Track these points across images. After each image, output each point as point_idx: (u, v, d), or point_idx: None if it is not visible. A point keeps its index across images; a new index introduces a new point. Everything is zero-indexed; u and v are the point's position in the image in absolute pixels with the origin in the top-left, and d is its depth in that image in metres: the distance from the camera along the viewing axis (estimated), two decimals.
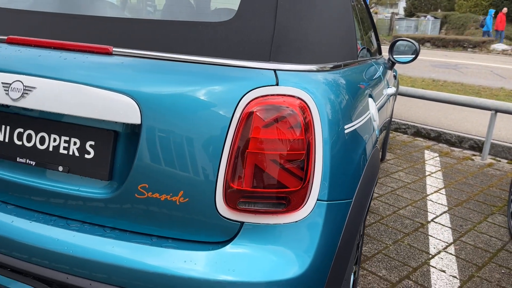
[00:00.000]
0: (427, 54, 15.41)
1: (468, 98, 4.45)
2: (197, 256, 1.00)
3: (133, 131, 1.05)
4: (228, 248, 1.01)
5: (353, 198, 1.14)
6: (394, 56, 2.68)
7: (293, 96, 1.01)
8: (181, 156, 1.00)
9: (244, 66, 1.04)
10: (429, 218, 2.79)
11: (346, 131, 1.12)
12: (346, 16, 1.43)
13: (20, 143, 1.15)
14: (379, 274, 2.12)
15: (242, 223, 1.02)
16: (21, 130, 1.15)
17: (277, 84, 1.01)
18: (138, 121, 1.01)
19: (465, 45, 19.18)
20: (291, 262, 1.00)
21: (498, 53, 18.87)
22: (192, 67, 1.05)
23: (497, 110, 4.10)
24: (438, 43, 19.77)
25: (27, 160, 1.14)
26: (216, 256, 1.00)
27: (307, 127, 1.00)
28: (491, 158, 4.33)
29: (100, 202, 1.07)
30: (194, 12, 1.33)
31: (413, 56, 2.69)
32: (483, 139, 4.40)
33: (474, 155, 4.40)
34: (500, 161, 4.28)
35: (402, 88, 4.84)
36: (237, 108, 0.99)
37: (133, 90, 1.02)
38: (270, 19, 1.09)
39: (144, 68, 1.06)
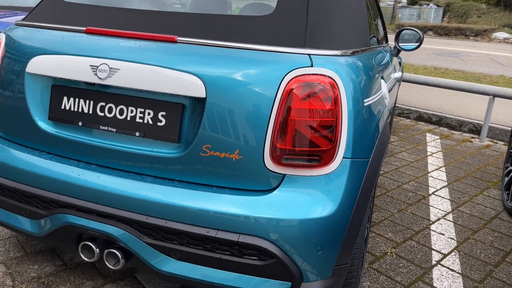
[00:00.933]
0: (430, 43, 15.59)
1: (467, 84, 4.71)
2: (250, 200, 1.29)
3: (197, 103, 1.33)
4: (274, 194, 1.29)
5: (370, 158, 1.42)
6: (400, 44, 2.94)
7: (324, 75, 1.28)
8: (237, 122, 1.28)
9: (285, 52, 1.31)
10: (430, 192, 3.08)
11: (365, 104, 1.40)
12: (362, 10, 1.69)
13: (102, 114, 1.43)
14: (385, 236, 2.42)
15: (284, 175, 1.30)
16: (103, 103, 1.43)
17: (311, 66, 1.29)
18: (203, 95, 1.28)
19: (467, 33, 19.32)
20: (322, 206, 1.29)
21: (500, 42, 19.00)
22: (243, 52, 1.32)
23: (495, 95, 4.37)
24: (441, 32, 19.90)
25: (109, 128, 1.42)
26: (264, 200, 1.29)
27: (336, 100, 1.28)
28: (488, 140, 4.61)
29: (170, 160, 1.35)
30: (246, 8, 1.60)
31: (417, 44, 2.95)
32: (482, 122, 4.68)
33: (473, 137, 4.68)
34: (497, 143, 4.56)
35: (406, 75, 5.10)
36: (280, 85, 1.26)
37: (198, 70, 1.30)
38: (304, 14, 1.36)
39: (205, 53, 1.33)
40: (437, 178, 3.36)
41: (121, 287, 1.80)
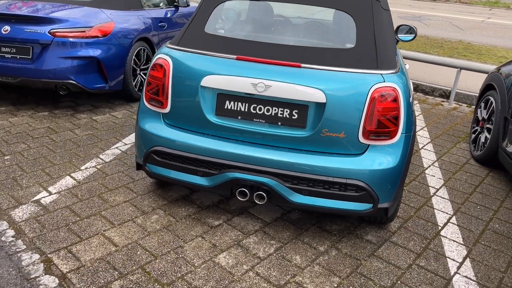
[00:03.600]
0: (394, 5, 16.66)
1: (438, 58, 5.85)
2: (350, 159, 2.29)
3: (319, 105, 2.28)
4: (363, 155, 2.30)
5: (412, 133, 2.45)
6: (399, 35, 3.93)
7: (392, 87, 2.26)
8: (344, 116, 2.25)
9: (368, 73, 2.27)
10: (420, 147, 4.22)
11: (410, 102, 2.41)
12: (394, 39, 2.66)
13: (254, 112, 2.36)
14: None
15: (369, 145, 2.30)
16: (255, 105, 2.35)
17: (384, 81, 2.26)
18: (324, 101, 2.24)
19: None
20: (391, 161, 2.31)
21: (456, 1, 20.39)
22: (344, 73, 2.27)
23: (461, 68, 5.53)
24: None
25: (260, 120, 2.36)
26: (358, 159, 2.29)
27: (398, 101, 2.27)
28: (455, 103, 5.82)
29: (299, 138, 2.32)
30: (335, 42, 2.51)
31: (413, 35, 3.94)
32: (450, 89, 5.87)
33: (443, 101, 5.87)
34: (461, 105, 5.79)
35: None
36: (368, 93, 2.23)
37: (320, 86, 2.24)
38: (374, 48, 2.32)
39: (320, 74, 2.27)
40: (422, 136, 4.51)
41: (243, 218, 2.79)
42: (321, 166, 2.30)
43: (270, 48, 2.40)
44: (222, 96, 2.40)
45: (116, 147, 3.68)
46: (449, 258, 2.55)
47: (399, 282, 2.33)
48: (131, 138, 3.88)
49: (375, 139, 2.29)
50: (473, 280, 2.38)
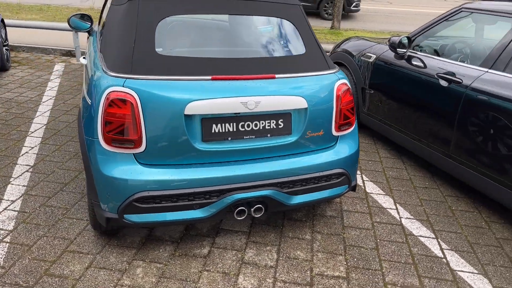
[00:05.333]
0: None
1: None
2: (329, 152, 2.56)
3: (300, 111, 2.42)
4: (337, 146, 2.61)
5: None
6: None
7: (345, 83, 2.60)
8: (321, 115, 2.47)
9: (327, 73, 2.54)
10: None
11: None
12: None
13: (243, 129, 2.32)
14: None
15: (338, 136, 2.62)
16: (243, 123, 2.31)
17: (339, 79, 2.58)
18: (306, 106, 2.41)
19: None
20: (354, 145, 2.69)
21: None
22: (310, 77, 2.47)
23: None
24: None
25: (250, 136, 2.34)
26: (334, 150, 2.59)
27: (351, 93, 2.64)
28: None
29: (288, 144, 2.43)
30: (288, 49, 2.61)
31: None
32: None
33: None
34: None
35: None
36: (334, 92, 2.51)
37: (300, 92, 2.39)
38: (321, 52, 2.61)
39: (294, 82, 2.41)
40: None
41: (224, 237, 2.74)
42: (310, 165, 2.49)
43: (238, 63, 2.37)
44: (208, 120, 2.26)
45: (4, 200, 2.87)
46: (387, 208, 3.19)
47: (378, 240, 2.81)
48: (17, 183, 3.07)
49: (343, 130, 2.62)
50: (414, 219, 3.07)
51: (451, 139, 3.24)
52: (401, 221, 3.04)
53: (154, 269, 2.42)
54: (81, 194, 3.12)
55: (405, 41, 3.65)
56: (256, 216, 2.45)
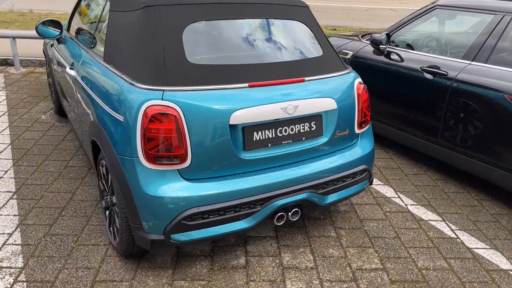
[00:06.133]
0: None
1: None
2: (354, 149, 2.64)
3: (330, 112, 2.45)
4: (359, 143, 2.69)
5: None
6: None
7: (361, 81, 2.69)
8: (347, 114, 2.53)
9: (345, 73, 2.61)
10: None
11: None
12: None
13: (281, 135, 2.30)
14: None
15: (359, 134, 2.70)
16: (281, 128, 2.29)
17: (357, 78, 2.66)
18: (335, 107, 2.45)
19: None
20: (371, 141, 2.79)
21: None
22: (333, 78, 2.52)
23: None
24: None
25: (287, 141, 2.33)
26: (357, 147, 2.66)
27: (367, 91, 2.73)
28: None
29: (320, 146, 2.46)
30: (311, 52, 2.60)
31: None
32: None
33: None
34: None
35: None
36: (355, 91, 2.59)
37: (329, 94, 2.43)
38: (333, 50, 2.67)
39: (323, 84, 2.44)
40: None
41: (252, 245, 2.70)
42: (341, 164, 2.54)
43: (269, 68, 2.34)
44: (249, 128, 2.21)
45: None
46: (391, 197, 3.36)
47: (396, 229, 2.95)
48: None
49: (363, 128, 2.71)
50: (418, 205, 3.27)
51: (439, 127, 3.49)
52: (408, 208, 3.22)
53: (199, 287, 2.31)
54: (84, 217, 2.87)
55: (384, 37, 3.85)
56: (293, 219, 2.45)
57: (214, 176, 2.19)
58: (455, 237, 2.89)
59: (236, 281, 2.38)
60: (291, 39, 2.59)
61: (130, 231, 2.26)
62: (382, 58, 3.96)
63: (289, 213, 2.41)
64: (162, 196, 2.06)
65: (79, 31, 3.46)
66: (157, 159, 2.05)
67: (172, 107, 2.03)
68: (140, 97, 2.06)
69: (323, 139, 2.49)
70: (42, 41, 7.56)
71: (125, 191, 2.14)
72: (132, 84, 2.14)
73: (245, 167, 2.25)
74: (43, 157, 3.69)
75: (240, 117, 2.14)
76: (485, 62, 3.23)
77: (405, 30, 3.97)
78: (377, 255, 2.67)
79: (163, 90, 2.06)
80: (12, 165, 3.53)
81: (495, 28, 3.26)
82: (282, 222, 2.40)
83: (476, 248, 2.79)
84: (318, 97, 2.38)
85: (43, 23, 3.56)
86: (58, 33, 3.63)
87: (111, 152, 2.19)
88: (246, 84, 2.21)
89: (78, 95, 2.88)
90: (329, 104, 2.42)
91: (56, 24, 3.62)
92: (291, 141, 2.36)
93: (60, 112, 4.52)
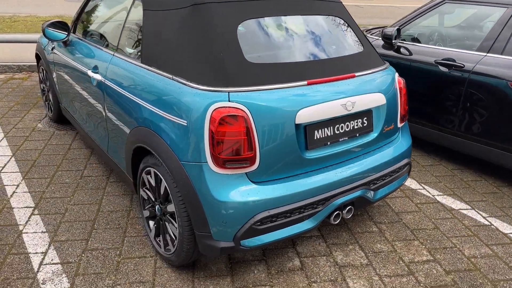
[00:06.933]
0: None
1: None
2: (398, 144, 2.65)
3: (379, 107, 2.44)
4: (400, 138, 2.70)
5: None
6: None
7: (398, 76, 2.70)
8: (392, 109, 2.53)
9: (386, 68, 2.61)
10: None
11: None
12: None
13: (338, 132, 2.27)
14: None
15: (399, 128, 2.71)
16: (337, 125, 2.26)
17: (395, 72, 2.67)
18: (384, 102, 2.45)
19: None
20: (409, 135, 2.82)
21: None
22: (377, 74, 2.51)
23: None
24: None
25: (343, 138, 2.30)
26: (400, 141, 2.68)
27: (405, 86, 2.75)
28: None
29: (371, 141, 2.45)
30: (354, 47, 2.57)
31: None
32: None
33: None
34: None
35: None
36: (396, 86, 2.60)
37: (378, 89, 2.42)
38: (371, 45, 2.67)
39: (371, 79, 2.43)
40: None
41: (302, 246, 2.66)
42: (389, 159, 2.54)
43: (322, 64, 2.30)
44: (311, 127, 2.16)
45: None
46: (417, 189, 3.41)
47: (432, 220, 3.00)
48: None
49: (403, 121, 2.73)
50: (444, 195, 3.34)
51: (456, 118, 3.58)
52: (436, 199, 3.28)
53: None
54: (120, 229, 2.72)
55: (395, 32, 3.90)
56: (347, 217, 2.43)
57: (280, 178, 2.13)
58: (489, 224, 2.98)
59: (298, 283, 2.33)
60: (335, 34, 2.56)
61: (192, 240, 2.15)
62: (391, 52, 4.02)
63: (344, 211, 2.38)
64: (234, 201, 1.97)
65: (93, 32, 3.26)
66: (226, 163, 1.96)
67: (240, 109, 1.95)
68: (205, 99, 1.97)
69: (374, 135, 2.48)
70: (23, 45, 7.17)
71: (191, 198, 2.03)
72: (191, 86, 2.04)
73: (307, 166, 2.20)
74: (54, 168, 3.46)
75: (304, 116, 2.09)
76: (501, 54, 3.35)
77: (413, 24, 4.05)
78: (424, 247, 2.70)
79: (228, 92, 1.98)
80: (22, 178, 3.29)
81: (509, 19, 3.38)
82: (338, 220, 2.37)
83: (510, 233, 2.88)
84: (370, 92, 2.37)
85: (50, 25, 3.34)
86: (65, 35, 3.42)
87: (172, 158, 2.07)
88: (305, 82, 2.16)
89: (109, 99, 2.71)
90: (380, 99, 2.42)
91: (63, 25, 3.40)
92: (346, 138, 2.34)
93: (59, 119, 4.27)
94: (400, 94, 2.61)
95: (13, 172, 3.38)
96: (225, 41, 2.08)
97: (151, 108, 2.24)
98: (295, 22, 2.44)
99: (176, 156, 2.06)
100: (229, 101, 1.96)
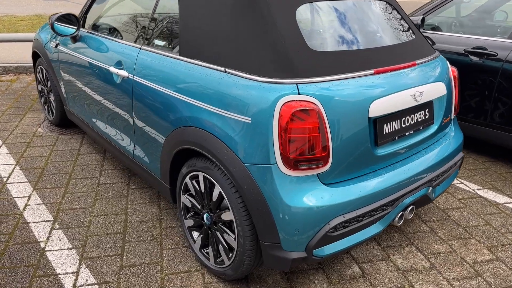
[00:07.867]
0: None
1: None
2: (455, 138, 2.47)
3: (440, 98, 2.26)
4: (453, 130, 2.53)
5: None
6: None
7: (449, 64, 2.54)
8: (448, 100, 2.36)
9: (438, 56, 2.43)
10: None
11: None
12: None
13: (404, 125, 2.08)
14: None
15: (451, 119, 2.54)
16: (404, 118, 2.06)
17: (446, 60, 2.50)
18: (445, 92, 2.27)
19: None
20: (460, 130, 2.64)
21: None
22: (434, 62, 2.33)
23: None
24: None
25: (409, 131, 2.11)
26: (455, 134, 2.51)
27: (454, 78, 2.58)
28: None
29: (431, 135, 2.26)
30: (408, 35, 2.37)
31: None
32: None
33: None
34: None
35: None
36: (450, 74, 2.42)
37: (438, 78, 2.24)
38: (420, 33, 2.49)
39: (429, 67, 2.25)
40: None
41: (357, 250, 2.45)
42: (449, 154, 2.36)
43: (385, 52, 2.10)
44: (381, 120, 1.96)
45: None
46: (456, 184, 3.26)
47: (481, 216, 2.85)
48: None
49: (456, 112, 2.56)
50: (484, 188, 3.20)
51: (489, 108, 3.46)
52: (477, 193, 3.14)
53: None
54: (154, 241, 2.45)
55: (420, 21, 3.75)
56: (409, 218, 2.25)
57: (350, 178, 1.92)
58: None
59: None
60: (389, 20, 2.36)
61: (255, 252, 1.92)
62: None
63: (406, 212, 2.19)
64: (308, 206, 1.75)
65: (109, 26, 2.97)
66: (300, 164, 1.74)
67: (313, 102, 1.73)
68: (271, 93, 1.74)
69: (434, 127, 2.30)
70: (6, 45, 6.85)
71: (257, 205, 1.80)
72: (250, 79, 1.81)
73: (376, 164, 2.00)
74: (66, 176, 3.15)
75: (377, 108, 1.89)
76: None
77: (436, 13, 3.91)
78: (482, 245, 2.54)
79: (297, 83, 1.75)
80: (32, 188, 2.97)
81: None
82: (402, 221, 2.18)
83: None
84: (433, 81, 2.19)
85: (59, 18, 3.03)
86: (75, 29, 3.11)
87: (232, 160, 1.83)
88: (372, 71, 1.96)
89: (138, 97, 2.43)
90: (442, 88, 2.24)
91: (72, 19, 3.09)
92: (412, 132, 2.15)
93: (62, 123, 3.93)
94: (455, 83, 2.45)
95: (20, 182, 3.05)
96: (285, 28, 1.86)
97: (201, 105, 1.98)
98: (348, 6, 2.23)
99: (238, 158, 1.82)
100: (299, 93, 1.73)
